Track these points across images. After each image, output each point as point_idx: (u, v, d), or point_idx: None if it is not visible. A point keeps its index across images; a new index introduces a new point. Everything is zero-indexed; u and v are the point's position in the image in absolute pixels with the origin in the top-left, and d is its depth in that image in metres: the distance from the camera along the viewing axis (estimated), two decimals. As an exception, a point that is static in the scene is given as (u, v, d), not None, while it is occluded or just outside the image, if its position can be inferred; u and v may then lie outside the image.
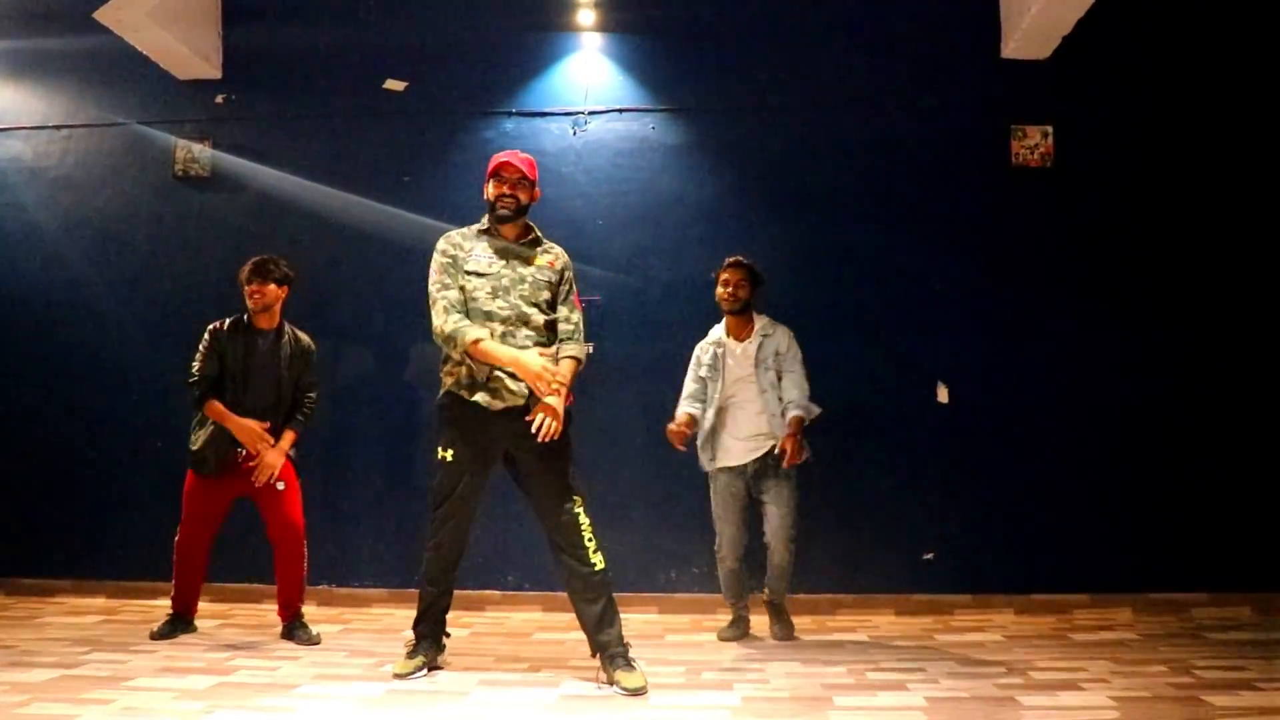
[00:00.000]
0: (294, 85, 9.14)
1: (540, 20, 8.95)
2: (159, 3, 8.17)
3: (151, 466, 8.82)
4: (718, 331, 7.68)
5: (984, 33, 8.56)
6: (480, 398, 5.89)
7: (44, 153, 9.31)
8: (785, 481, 7.28)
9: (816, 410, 7.29)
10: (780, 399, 7.35)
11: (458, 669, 6.33)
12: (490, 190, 6.16)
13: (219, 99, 9.15)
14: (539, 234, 6.29)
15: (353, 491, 8.50)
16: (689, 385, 7.70)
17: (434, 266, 6.07)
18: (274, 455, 7.20)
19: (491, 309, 5.96)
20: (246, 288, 7.32)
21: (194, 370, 7.27)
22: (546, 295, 6.13)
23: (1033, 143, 8.45)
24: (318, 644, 7.01)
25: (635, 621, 7.84)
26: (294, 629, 7.20)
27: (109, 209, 9.17)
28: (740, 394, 7.45)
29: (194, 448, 7.28)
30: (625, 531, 8.08)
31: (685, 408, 7.59)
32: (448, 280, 6.02)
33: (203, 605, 8.15)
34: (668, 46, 8.74)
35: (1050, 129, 8.48)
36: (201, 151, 9.04)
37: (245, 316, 7.40)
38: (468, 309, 5.97)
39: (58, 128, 9.31)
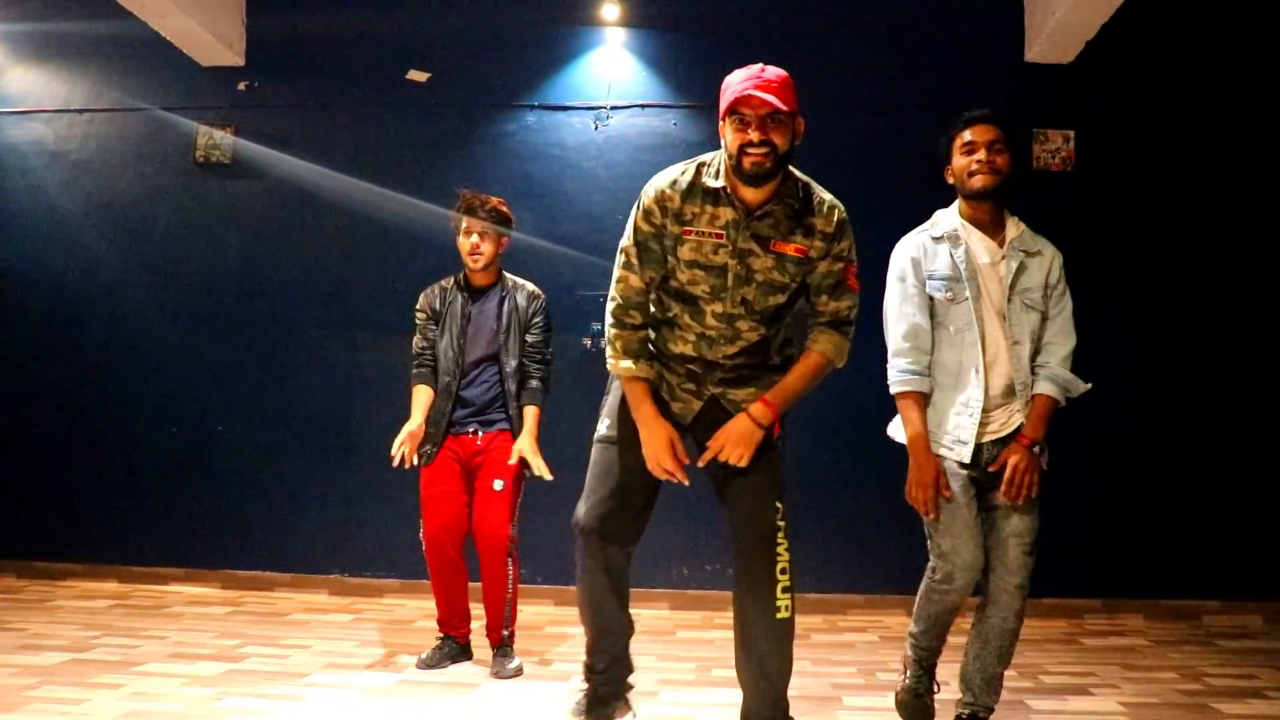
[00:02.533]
0: (317, 74, 9.12)
1: (564, 14, 8.94)
2: (183, -12, 8.20)
3: (167, 452, 8.83)
4: (951, 218, 4.97)
5: (1007, 37, 8.54)
6: None
7: (65, 136, 9.31)
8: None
9: (1082, 385, 4.85)
10: (1033, 359, 4.81)
11: (467, 661, 6.36)
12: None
13: (241, 86, 9.15)
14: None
15: (367, 481, 8.49)
16: (908, 316, 4.87)
17: None
18: (528, 444, 6.21)
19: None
20: (462, 240, 6.44)
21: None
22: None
23: (1054, 147, 8.43)
24: (514, 676, 6.10)
25: (646, 617, 7.82)
26: (496, 653, 6.27)
27: (130, 194, 9.16)
28: (984, 338, 4.75)
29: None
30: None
31: (912, 378, 4.82)
32: None
33: (213, 592, 8.20)
34: (691, 43, 8.71)
35: (1072, 133, 8.46)
36: (223, 138, 9.03)
37: (462, 275, 6.62)
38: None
39: (80, 111, 9.31)
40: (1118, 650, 6.92)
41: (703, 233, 4.24)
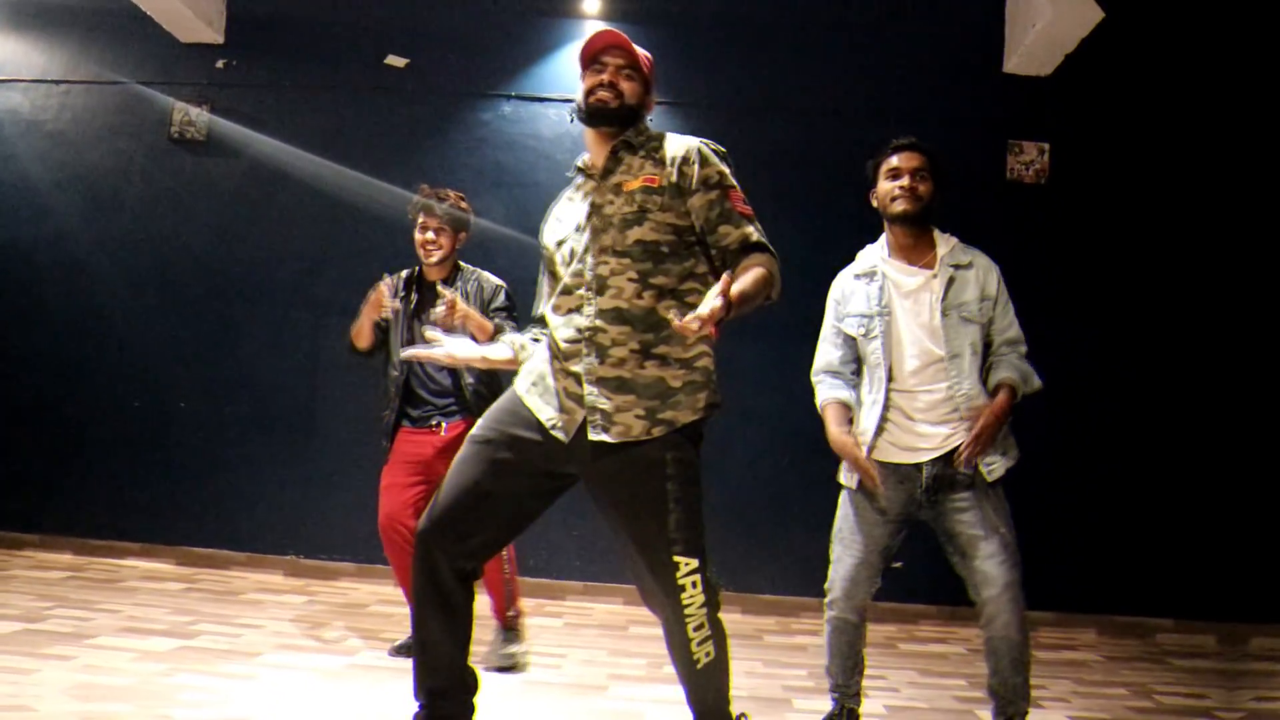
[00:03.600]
0: (295, 55, 9.10)
1: (544, 6, 8.94)
2: (165, -37, 8.18)
3: (129, 425, 8.82)
4: (872, 255, 5.11)
5: (987, 47, 8.57)
6: None
7: (41, 106, 9.28)
8: (988, 495, 4.73)
9: (1037, 382, 4.87)
10: (982, 371, 4.84)
11: None
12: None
13: (219, 64, 9.13)
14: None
15: (326, 463, 8.49)
16: (826, 353, 5.11)
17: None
18: (474, 313, 6.00)
19: None
20: (418, 234, 6.39)
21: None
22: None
23: (1029, 159, 8.46)
24: (514, 669, 6.08)
25: (600, 611, 7.87)
26: (501, 636, 6.25)
27: (102, 166, 9.14)
28: (917, 358, 4.83)
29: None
30: (593, 520, 8.08)
31: (831, 393, 4.99)
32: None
33: (169, 568, 8.20)
34: (669, 39, 8.69)
35: (1047, 146, 8.49)
36: (199, 115, 9.02)
37: (416, 269, 6.58)
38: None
39: (57, 82, 9.29)
40: (1069, 664, 6.95)
41: (563, 212, 4.25)
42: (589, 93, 4.07)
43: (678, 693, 5.47)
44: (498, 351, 4.17)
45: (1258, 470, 8.18)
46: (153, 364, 8.81)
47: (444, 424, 6.24)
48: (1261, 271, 8.36)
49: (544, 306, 4.22)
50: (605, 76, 4.06)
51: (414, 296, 6.39)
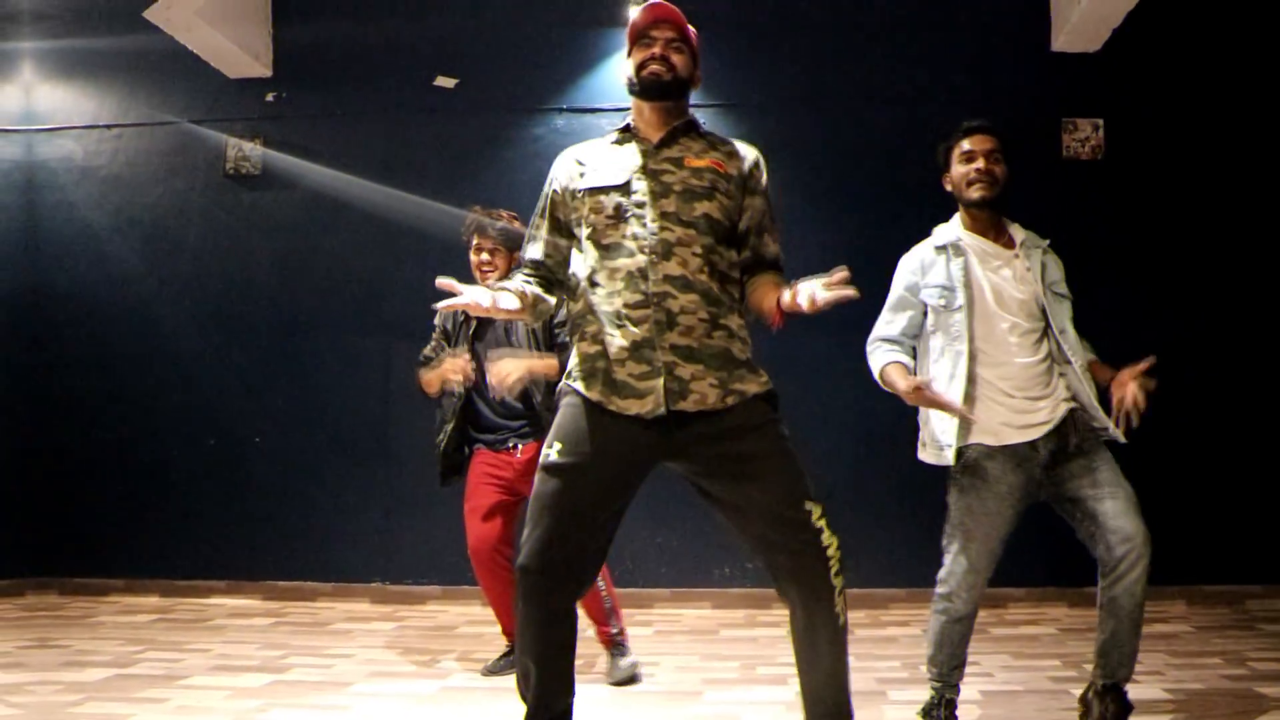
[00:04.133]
0: (344, 82, 9.13)
1: (590, 16, 8.92)
2: (208, 1, 8.18)
3: (204, 465, 8.87)
4: (952, 230, 5.03)
5: (1034, 26, 8.52)
6: None
7: (95, 152, 9.33)
8: (1105, 454, 4.77)
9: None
10: (1078, 354, 4.84)
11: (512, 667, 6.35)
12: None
13: (269, 97, 9.17)
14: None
15: (406, 487, 8.49)
16: (888, 322, 5.05)
17: None
18: (528, 363, 5.89)
19: None
20: (473, 256, 6.40)
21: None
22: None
23: (1083, 135, 8.41)
24: (634, 681, 6.07)
25: (690, 617, 7.86)
26: (610, 654, 6.24)
27: (160, 208, 9.18)
28: (1011, 331, 4.78)
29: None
30: (678, 526, 8.10)
31: (889, 356, 4.94)
32: None
33: (256, 604, 8.25)
34: (717, 41, 8.63)
35: (1101, 122, 8.43)
36: (253, 149, 9.05)
37: None
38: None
39: (109, 127, 9.34)
40: (1161, 637, 6.89)
41: (601, 163, 4.15)
42: (641, 66, 4.08)
43: (773, 694, 5.49)
44: (506, 301, 4.03)
45: (1338, 431, 8.11)
46: (225, 400, 8.86)
47: (519, 445, 6.22)
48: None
49: (530, 250, 4.28)
50: (656, 50, 4.07)
51: (472, 321, 6.34)
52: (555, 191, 4.23)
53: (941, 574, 4.89)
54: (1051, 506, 4.83)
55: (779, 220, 4.17)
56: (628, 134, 4.18)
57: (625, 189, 3.98)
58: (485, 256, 6.30)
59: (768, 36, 8.66)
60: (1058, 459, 4.70)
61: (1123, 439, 4.71)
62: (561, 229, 4.20)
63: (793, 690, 5.55)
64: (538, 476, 3.89)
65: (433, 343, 6.50)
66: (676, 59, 4.08)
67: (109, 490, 8.96)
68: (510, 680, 5.56)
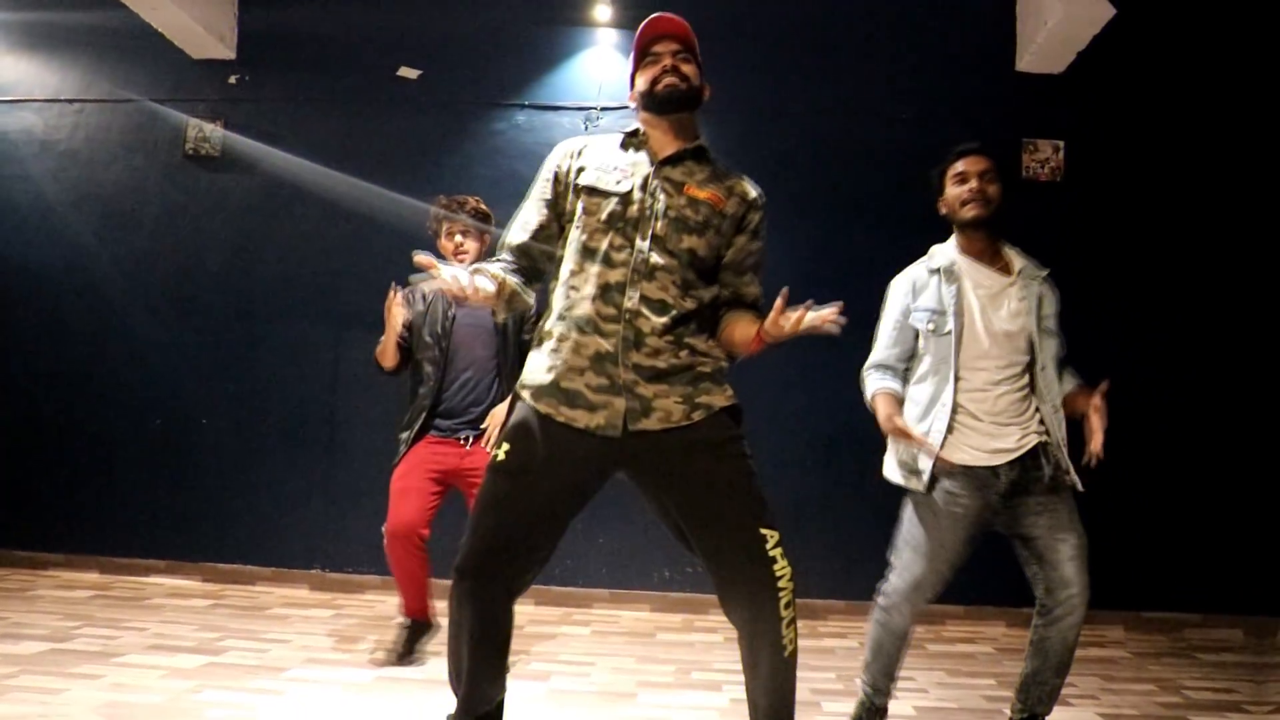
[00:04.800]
0: (308, 69, 9.11)
1: (556, 14, 8.94)
2: (175, -20, 8.19)
3: (150, 444, 8.83)
4: (948, 252, 5.02)
5: (999, 46, 8.56)
6: None
7: (55, 126, 9.30)
8: (1065, 497, 4.78)
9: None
10: (1052, 392, 4.84)
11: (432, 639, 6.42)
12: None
13: (232, 79, 9.14)
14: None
15: (349, 476, 8.48)
16: (883, 346, 5.03)
17: None
18: (503, 414, 6.24)
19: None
20: (445, 242, 6.44)
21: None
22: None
23: (1043, 156, 8.45)
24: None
25: (627, 619, 7.86)
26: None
27: (118, 185, 9.15)
28: (997, 359, 4.78)
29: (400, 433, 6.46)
30: (618, 528, 8.11)
31: (882, 384, 4.91)
32: None
33: (194, 585, 8.23)
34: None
35: (1062, 144, 8.47)
36: (213, 131, 9.02)
37: None
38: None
39: (70, 101, 9.30)
40: (1098, 661, 6.93)
41: (605, 164, 4.03)
42: (654, 81, 4.01)
43: (708, 699, 5.49)
44: (484, 283, 3.90)
45: (1281, 463, 8.16)
46: (173, 381, 8.83)
47: (470, 438, 6.23)
48: (1277, 268, 8.33)
49: (517, 235, 4.14)
50: (667, 62, 4.04)
51: (448, 304, 6.34)
52: (555, 179, 4.11)
53: (885, 587, 4.90)
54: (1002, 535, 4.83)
55: (762, 266, 4.11)
56: (637, 140, 4.11)
57: (624, 199, 3.89)
58: (459, 239, 6.34)
59: (732, 49, 8.65)
60: (1018, 490, 4.69)
61: (1080, 488, 4.75)
62: (556, 216, 4.09)
63: (727, 696, 5.60)
64: (485, 474, 3.85)
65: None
66: (687, 69, 4.08)
67: (52, 465, 8.93)
68: (432, 670, 5.57)
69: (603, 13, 8.79)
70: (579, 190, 3.98)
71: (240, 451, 8.73)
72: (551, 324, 3.92)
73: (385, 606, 7.80)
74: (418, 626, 6.38)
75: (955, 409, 4.75)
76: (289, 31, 9.08)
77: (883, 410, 4.72)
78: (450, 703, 3.89)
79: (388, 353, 6.30)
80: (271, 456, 8.68)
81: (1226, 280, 8.32)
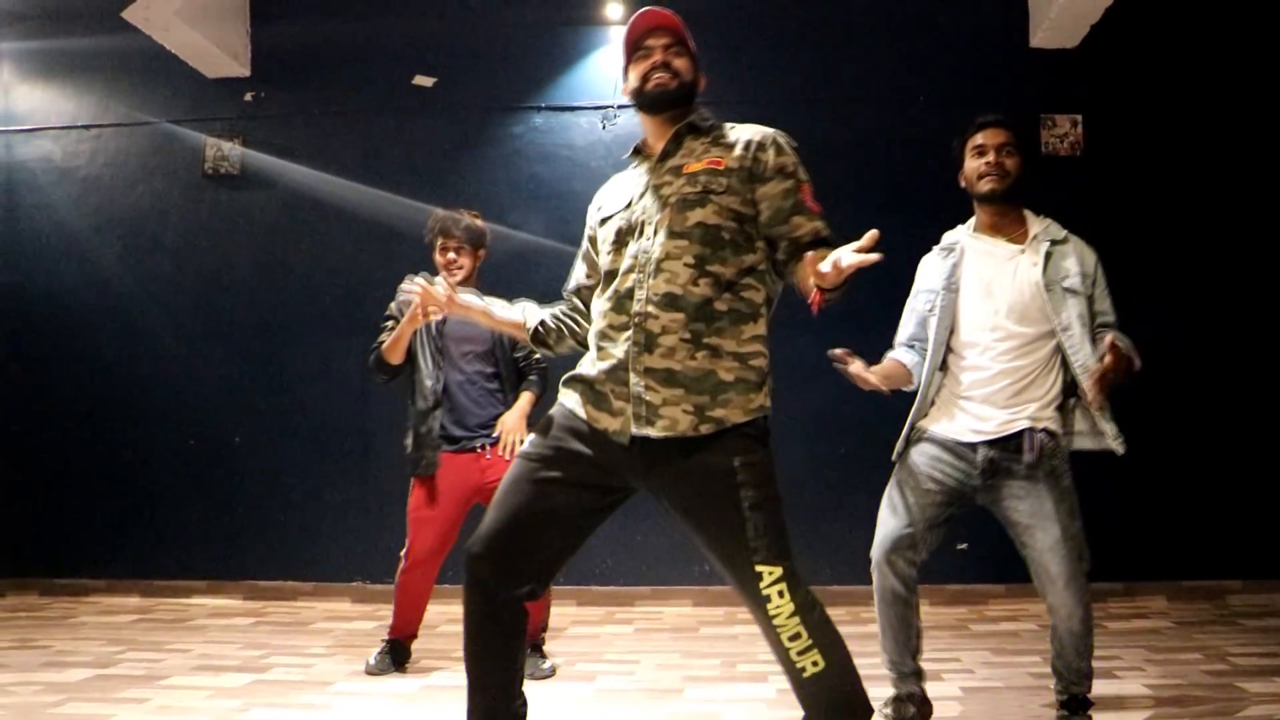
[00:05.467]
0: (323, 82, 9.14)
1: (568, 15, 8.94)
2: (186, 1, 8.17)
3: (184, 465, 8.85)
4: (957, 232, 5.09)
5: (1012, 22, 8.53)
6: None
7: (73, 152, 9.33)
8: (1049, 483, 4.62)
9: (1138, 363, 4.72)
10: (1083, 353, 4.69)
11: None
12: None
13: (248, 96, 9.16)
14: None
15: (385, 487, 8.45)
16: (903, 326, 5.11)
17: None
18: (514, 419, 6.29)
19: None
20: (439, 257, 6.47)
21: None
22: None
23: (1062, 131, 8.42)
24: (547, 677, 6.11)
25: (670, 614, 7.87)
26: (529, 654, 5.94)
27: (139, 208, 9.19)
28: (988, 333, 4.74)
29: (408, 451, 6.44)
30: (659, 524, 8.08)
31: (892, 354, 5.02)
32: None
33: (236, 603, 8.24)
34: (697, 39, 8.66)
35: (1080, 118, 8.45)
36: (231, 149, 9.04)
37: None
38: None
39: (87, 127, 9.32)
40: (1141, 633, 6.92)
41: (614, 191, 4.05)
42: (644, 79, 3.93)
43: (754, 691, 5.49)
44: (507, 312, 4.01)
45: (1316, 426, 8.13)
46: (204, 401, 8.85)
47: (487, 446, 6.25)
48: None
49: (572, 285, 4.19)
50: (657, 58, 3.95)
51: (437, 321, 6.34)
52: (590, 227, 4.11)
53: (871, 549, 4.87)
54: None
55: (809, 195, 3.91)
56: (637, 153, 4.08)
57: (627, 210, 3.86)
58: (451, 255, 6.35)
59: (747, 35, 8.66)
60: (998, 470, 4.64)
61: (1119, 450, 4.68)
62: (594, 265, 4.06)
63: (774, 687, 5.58)
64: (512, 463, 3.84)
65: (384, 335, 6.44)
66: (679, 64, 3.99)
67: (89, 491, 8.95)
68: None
69: (614, 11, 8.77)
70: (598, 226, 4.01)
71: (275, 467, 8.75)
72: (590, 339, 3.90)
73: (428, 615, 7.76)
74: (398, 648, 6.42)
75: (943, 384, 4.84)
76: (302, 46, 9.10)
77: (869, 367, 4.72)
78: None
79: (400, 346, 6.23)
80: (306, 471, 8.70)
81: (1250, 250, 8.30)
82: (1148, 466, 7.86)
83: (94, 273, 9.13)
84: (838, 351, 4.60)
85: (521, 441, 6.08)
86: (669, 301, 3.64)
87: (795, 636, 3.52)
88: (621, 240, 3.82)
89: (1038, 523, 4.54)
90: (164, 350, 8.98)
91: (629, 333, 3.68)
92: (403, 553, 6.27)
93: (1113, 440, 4.66)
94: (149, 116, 9.22)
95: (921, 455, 4.77)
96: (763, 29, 8.75)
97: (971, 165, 4.89)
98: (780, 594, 3.51)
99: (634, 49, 4.02)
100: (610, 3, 8.74)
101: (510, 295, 4.76)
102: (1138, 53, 8.45)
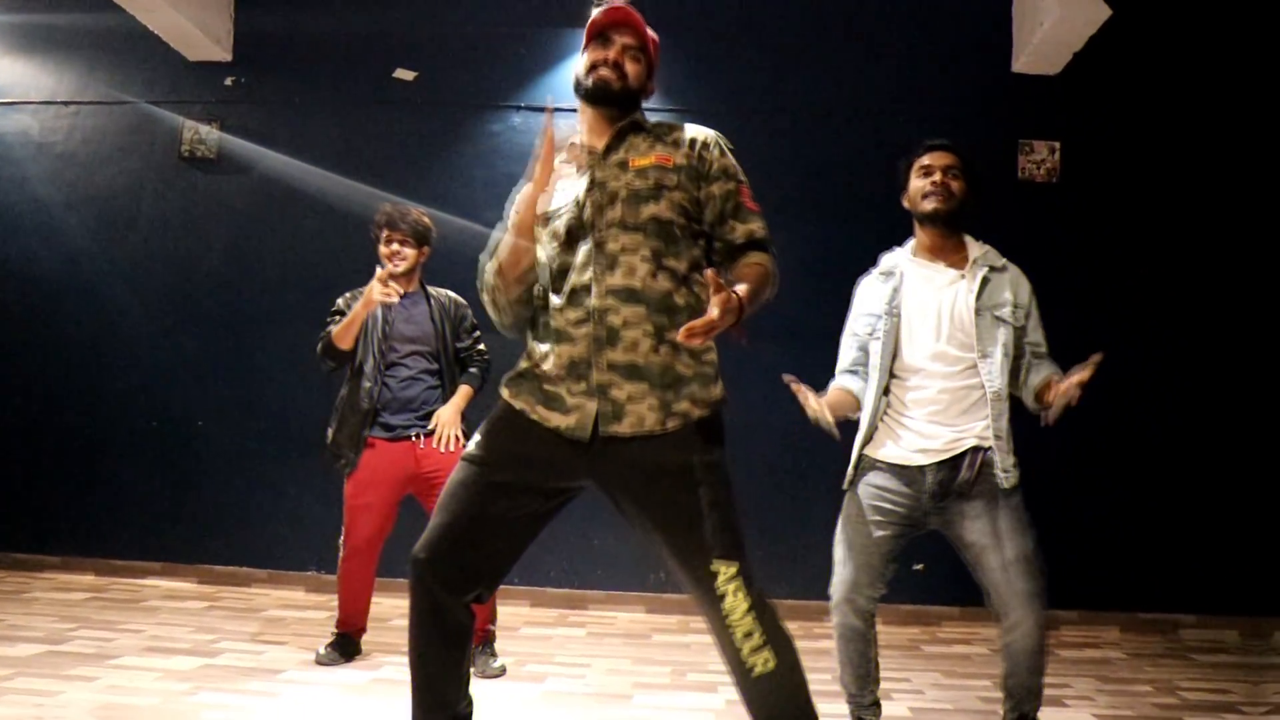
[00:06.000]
0: (303, 71, 9.14)
1: (552, 16, 8.93)
2: (171, -17, 8.19)
3: (146, 447, 8.84)
4: (896, 256, 5.03)
5: (995, 47, 8.56)
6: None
7: (51, 128, 9.32)
8: (1001, 503, 4.58)
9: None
10: (1019, 380, 4.74)
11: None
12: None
13: (228, 81, 9.15)
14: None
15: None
16: (843, 351, 5.07)
17: None
18: (449, 413, 6.36)
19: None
20: (384, 248, 6.53)
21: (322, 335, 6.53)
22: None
23: (1039, 158, 8.45)
24: (497, 676, 6.12)
25: (622, 620, 7.88)
26: (478, 650, 6.21)
27: (113, 187, 9.18)
28: (929, 357, 4.75)
29: (328, 441, 6.55)
30: (615, 528, 8.07)
31: (836, 381, 5.00)
32: None
33: (190, 587, 8.22)
34: (678, 48, 8.63)
35: (1058, 145, 8.48)
36: (209, 133, 9.03)
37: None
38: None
39: (66, 103, 9.31)
40: (1093, 662, 6.94)
41: (556, 189, 3.87)
42: (591, 67, 3.88)
43: (703, 701, 5.50)
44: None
45: (1276, 464, 8.16)
46: (169, 383, 8.83)
47: (421, 435, 6.29)
48: (1273, 268, 8.34)
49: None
50: (611, 54, 3.87)
51: (386, 308, 6.40)
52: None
53: (830, 590, 4.82)
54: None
55: (747, 196, 3.89)
56: (577, 148, 3.94)
57: (573, 207, 3.76)
58: (395, 246, 6.45)
59: (730, 45, 8.69)
60: (947, 491, 4.61)
61: (1005, 485, 4.57)
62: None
63: (723, 698, 5.60)
64: (456, 465, 3.75)
65: (333, 325, 6.51)
66: (631, 68, 3.89)
67: (49, 467, 8.95)
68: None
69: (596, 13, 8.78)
70: (540, 224, 3.86)
71: (236, 454, 8.74)
72: (532, 343, 3.83)
73: (380, 608, 7.75)
74: (346, 640, 6.43)
75: (886, 407, 4.78)
76: (285, 34, 9.09)
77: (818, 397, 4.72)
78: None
79: (351, 332, 6.31)
80: (267, 458, 8.68)
81: (1223, 281, 8.33)
82: (1106, 496, 7.93)
83: (65, 249, 9.11)
84: (789, 378, 4.62)
85: (457, 436, 6.24)
86: (629, 295, 3.61)
87: (748, 635, 3.49)
88: (571, 236, 3.74)
89: (992, 542, 4.50)
90: (131, 330, 8.97)
91: (587, 327, 3.62)
92: (340, 540, 6.32)
93: (1001, 472, 4.59)
94: (128, 96, 9.20)
95: (869, 488, 4.75)
96: (745, 44, 8.77)
97: (916, 185, 4.87)
98: (735, 591, 3.49)
99: (594, 36, 3.97)
100: (594, 6, 8.74)
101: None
102: (1118, 81, 8.49)
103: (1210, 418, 8.24)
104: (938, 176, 4.78)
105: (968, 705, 5.73)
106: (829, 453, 7.06)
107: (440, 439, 6.22)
